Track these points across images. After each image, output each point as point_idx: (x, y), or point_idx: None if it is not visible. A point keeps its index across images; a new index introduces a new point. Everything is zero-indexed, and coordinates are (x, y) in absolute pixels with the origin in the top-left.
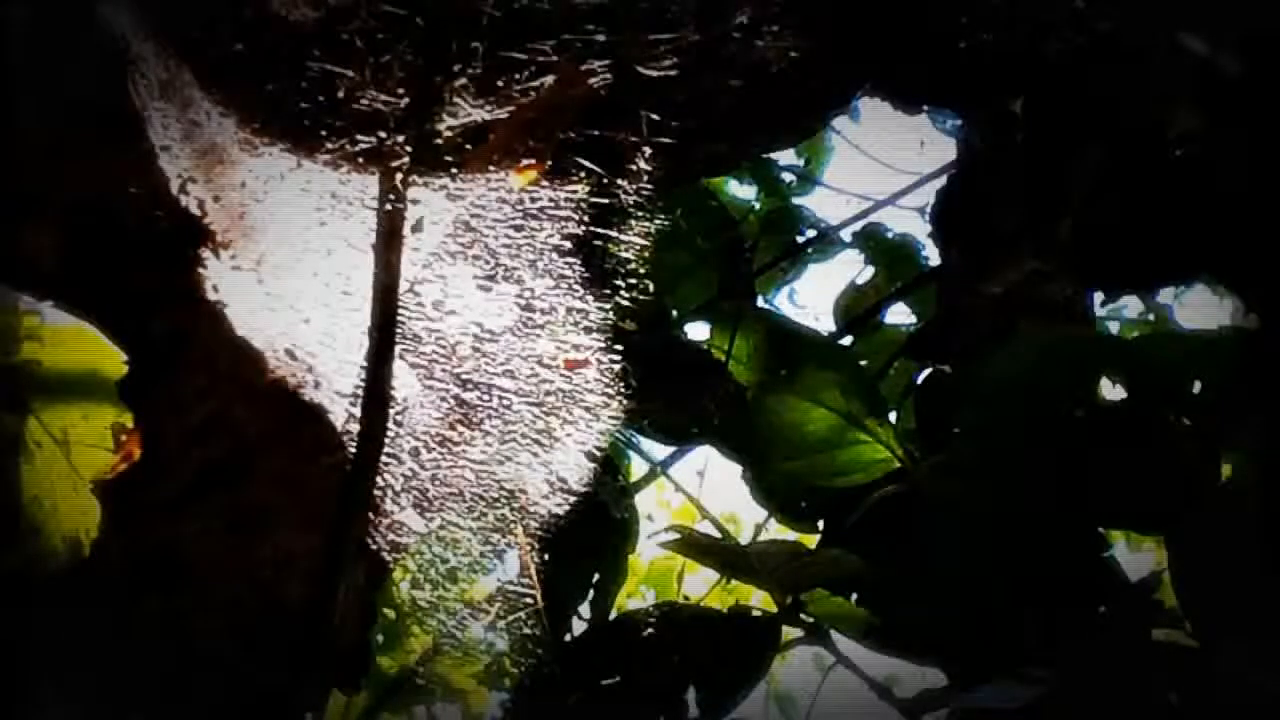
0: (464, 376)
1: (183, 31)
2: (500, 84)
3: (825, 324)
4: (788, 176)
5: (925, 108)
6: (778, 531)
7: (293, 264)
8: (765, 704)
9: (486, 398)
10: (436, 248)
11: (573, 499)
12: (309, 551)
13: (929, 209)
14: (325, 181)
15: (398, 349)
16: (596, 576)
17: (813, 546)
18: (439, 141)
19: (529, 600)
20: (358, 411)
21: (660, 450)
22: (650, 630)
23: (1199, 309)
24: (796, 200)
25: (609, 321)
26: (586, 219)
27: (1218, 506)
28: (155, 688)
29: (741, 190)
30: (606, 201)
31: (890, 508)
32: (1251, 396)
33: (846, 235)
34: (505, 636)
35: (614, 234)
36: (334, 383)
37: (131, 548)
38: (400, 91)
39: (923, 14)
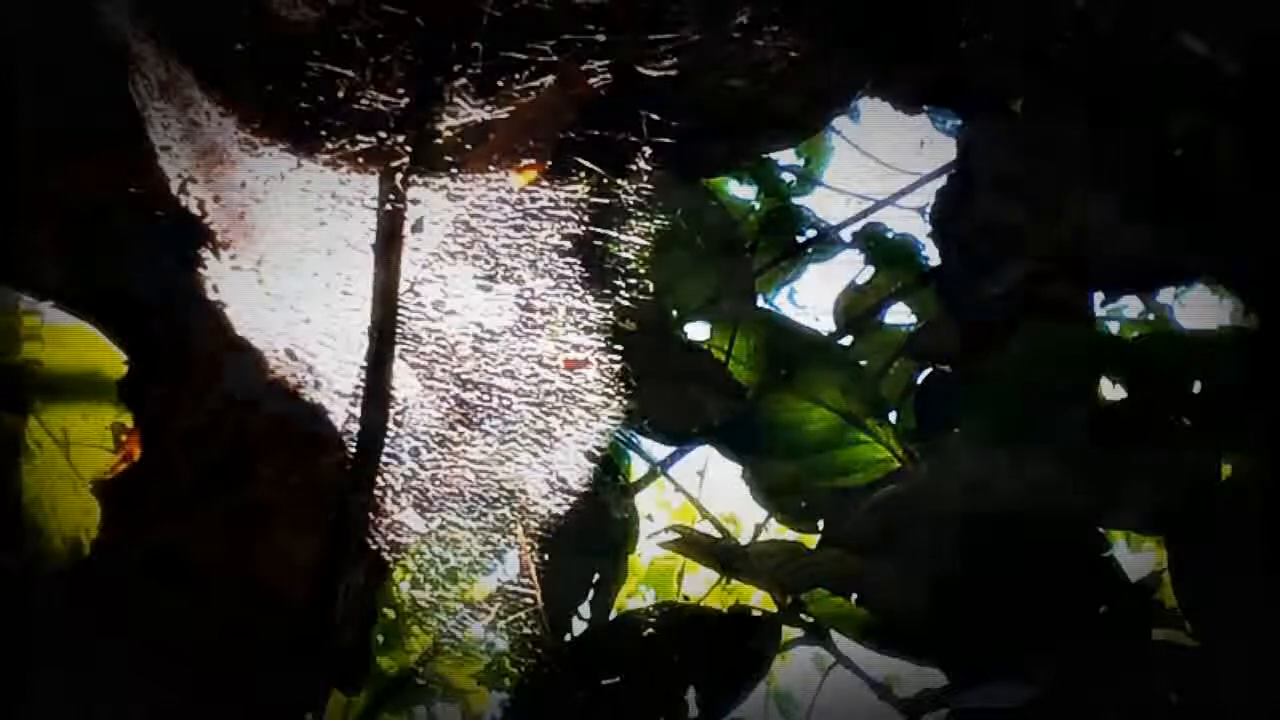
0: (464, 376)
1: (183, 31)
2: (500, 84)
3: (825, 324)
4: (788, 176)
5: (925, 108)
6: (778, 531)
7: (293, 264)
8: (765, 704)
9: (486, 398)
10: (436, 248)
11: (573, 499)
12: (309, 551)
13: (929, 209)
14: (325, 181)
15: (398, 349)
16: (596, 576)
17: (813, 546)
18: (439, 141)
19: (529, 600)
20: (358, 411)
21: (660, 450)
22: (650, 630)
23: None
24: (796, 200)
25: (609, 321)
26: (586, 219)
27: (1218, 506)
28: (155, 687)
29: (741, 190)
30: (606, 201)
31: (890, 508)
32: (1251, 396)
33: (846, 235)
34: (505, 636)
35: (614, 234)
36: (334, 383)
37: (131, 548)
38: (400, 91)
39: (923, 14)
